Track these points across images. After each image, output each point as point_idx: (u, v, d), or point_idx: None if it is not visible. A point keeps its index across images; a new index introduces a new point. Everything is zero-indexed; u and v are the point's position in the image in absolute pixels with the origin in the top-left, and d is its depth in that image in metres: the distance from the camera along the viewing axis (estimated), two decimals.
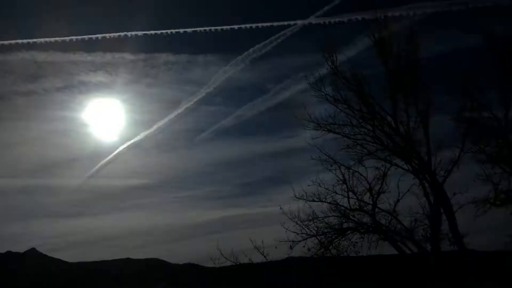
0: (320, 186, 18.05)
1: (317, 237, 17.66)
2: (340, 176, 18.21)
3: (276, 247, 17.58)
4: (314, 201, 17.98)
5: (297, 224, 17.62)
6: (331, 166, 18.25)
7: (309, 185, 18.00)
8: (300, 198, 17.92)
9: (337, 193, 18.21)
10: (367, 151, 18.37)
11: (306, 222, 17.67)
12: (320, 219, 17.84)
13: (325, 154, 18.31)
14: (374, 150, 18.31)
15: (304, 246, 17.62)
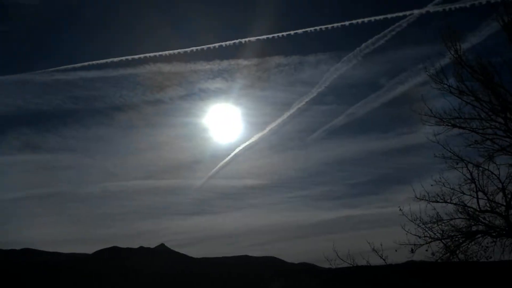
0: (445, 186, 16.79)
1: (442, 240, 16.56)
2: (468, 175, 16.77)
3: (396, 250, 16.80)
4: (438, 202, 16.78)
5: (419, 226, 16.64)
6: (457, 164, 16.87)
7: (432, 185, 16.86)
8: (422, 199, 16.86)
9: (464, 193, 16.80)
10: (499, 146, 16.64)
11: (429, 225, 16.65)
12: (445, 221, 16.68)
13: (450, 151, 16.93)
14: (507, 145, 16.51)
15: (427, 250, 16.67)
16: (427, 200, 16.82)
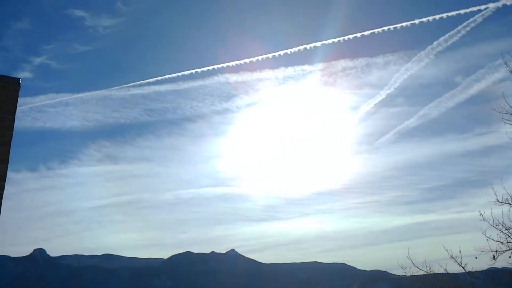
0: None
1: None
2: None
3: (476, 257, 15.90)
4: None
5: (501, 231, 15.59)
6: None
7: None
8: (504, 202, 15.81)
9: None
10: None
11: None
12: None
13: None
14: None
15: (510, 257, 15.53)
16: (510, 203, 15.78)
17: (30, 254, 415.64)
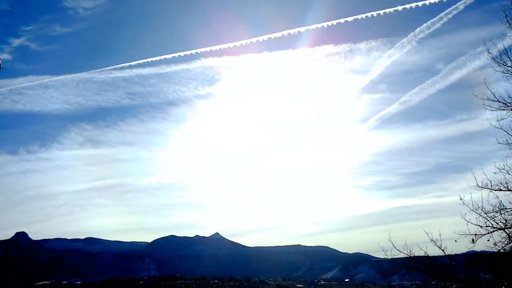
0: (509, 173, 15.92)
1: (505, 230, 15.78)
2: None
3: (455, 241, 16.23)
4: (501, 190, 15.92)
5: (481, 216, 15.92)
6: None
7: (495, 173, 16.03)
8: (484, 187, 16.09)
9: None
10: None
11: (491, 214, 15.84)
12: (508, 210, 15.85)
13: None
14: None
15: (488, 240, 15.90)
16: (489, 188, 16.05)
17: (12, 238, 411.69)
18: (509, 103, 16.13)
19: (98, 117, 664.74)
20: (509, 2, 15.88)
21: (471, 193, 16.11)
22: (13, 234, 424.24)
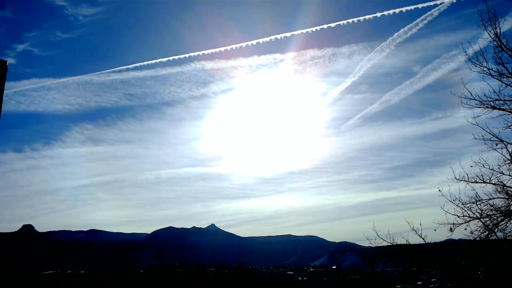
0: (484, 167, 16.13)
1: (481, 219, 15.96)
2: (507, 156, 16.06)
3: (435, 230, 16.39)
4: (477, 182, 16.13)
5: (458, 206, 16.11)
6: (496, 145, 16.17)
7: (471, 166, 16.26)
8: (461, 180, 16.28)
9: (503, 174, 16.09)
10: None
11: (468, 205, 16.07)
12: (484, 201, 16.04)
13: (489, 133, 16.26)
14: None
15: (465, 229, 16.12)
16: (466, 181, 16.26)
17: (19, 230, 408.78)
18: (485, 101, 16.32)
19: (98, 117, 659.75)
20: (485, 8, 16.02)
21: (449, 185, 16.32)
22: (20, 226, 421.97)
